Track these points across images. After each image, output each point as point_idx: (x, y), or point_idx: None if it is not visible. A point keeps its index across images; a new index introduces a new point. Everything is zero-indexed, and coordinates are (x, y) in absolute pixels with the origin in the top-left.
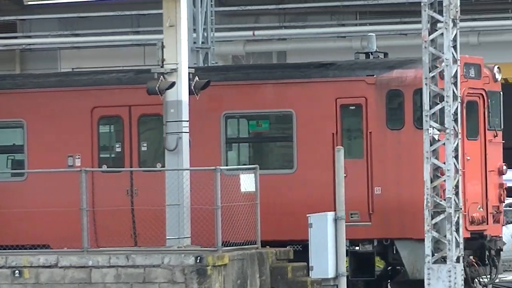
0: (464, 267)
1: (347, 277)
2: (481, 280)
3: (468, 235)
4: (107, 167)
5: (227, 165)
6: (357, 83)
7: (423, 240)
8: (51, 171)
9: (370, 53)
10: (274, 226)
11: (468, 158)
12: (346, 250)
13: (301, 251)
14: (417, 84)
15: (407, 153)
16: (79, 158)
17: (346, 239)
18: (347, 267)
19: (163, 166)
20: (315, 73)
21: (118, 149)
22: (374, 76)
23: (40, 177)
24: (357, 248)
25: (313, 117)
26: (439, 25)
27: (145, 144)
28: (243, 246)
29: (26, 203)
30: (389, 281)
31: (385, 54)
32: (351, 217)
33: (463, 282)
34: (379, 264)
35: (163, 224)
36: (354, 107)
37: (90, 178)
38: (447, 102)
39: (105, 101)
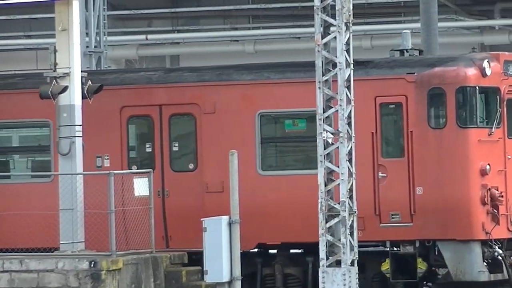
0: (506, 267)
1: (388, 278)
2: None
3: (511, 236)
4: (137, 168)
5: (261, 165)
6: (397, 81)
7: (466, 241)
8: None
9: (405, 51)
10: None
11: (510, 157)
12: (387, 251)
13: None
14: (460, 82)
15: (449, 152)
16: (107, 158)
17: (387, 240)
18: (387, 268)
19: (195, 166)
20: (353, 71)
21: (149, 150)
22: (415, 74)
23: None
24: (398, 249)
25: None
26: (332, 28)
27: (176, 144)
28: (137, 251)
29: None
30: (430, 283)
31: (420, 52)
32: (392, 218)
33: (357, 285)
34: (421, 266)
35: (196, 226)
36: (394, 105)
37: (119, 179)
38: (340, 105)
39: (135, 101)
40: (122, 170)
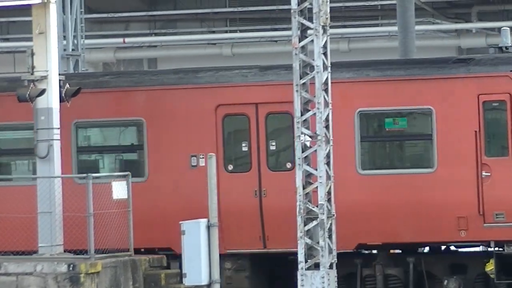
0: None
1: (492, 279)
2: None
3: None
4: (232, 168)
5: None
6: (500, 78)
7: None
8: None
9: (505, 48)
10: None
11: None
12: (492, 252)
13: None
14: None
15: None
16: (203, 157)
17: (491, 240)
18: (492, 269)
19: (292, 166)
20: (455, 68)
21: (245, 148)
22: None
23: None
24: (502, 249)
25: (453, 114)
26: (309, 32)
27: (273, 143)
28: (116, 254)
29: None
30: None
31: None
32: (496, 217)
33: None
34: None
35: (292, 226)
36: (497, 103)
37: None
38: (318, 108)
39: (230, 99)
40: (218, 169)
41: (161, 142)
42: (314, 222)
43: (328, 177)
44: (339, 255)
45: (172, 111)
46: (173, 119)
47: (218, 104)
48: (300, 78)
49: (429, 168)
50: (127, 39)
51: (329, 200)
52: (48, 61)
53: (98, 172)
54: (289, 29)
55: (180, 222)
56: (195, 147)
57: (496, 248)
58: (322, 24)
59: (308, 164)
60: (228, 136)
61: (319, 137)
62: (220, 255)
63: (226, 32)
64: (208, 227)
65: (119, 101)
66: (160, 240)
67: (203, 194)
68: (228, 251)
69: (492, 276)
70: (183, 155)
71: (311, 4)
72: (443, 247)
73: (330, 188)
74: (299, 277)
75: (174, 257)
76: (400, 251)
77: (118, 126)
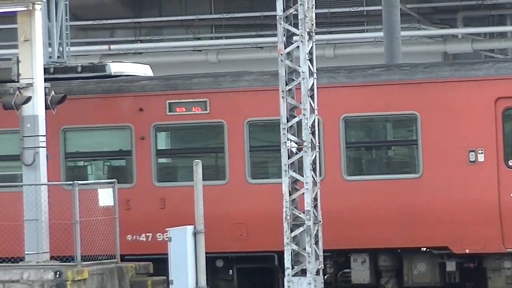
0: None
1: None
2: None
3: None
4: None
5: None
6: None
7: None
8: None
9: None
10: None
11: None
12: None
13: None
14: None
15: None
16: (481, 153)
17: None
18: None
19: None
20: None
21: None
22: None
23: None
24: None
25: None
26: (295, 38)
27: None
28: (102, 261)
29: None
30: None
31: None
32: None
33: None
34: None
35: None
36: None
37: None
38: (304, 115)
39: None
40: (497, 165)
41: (437, 137)
42: (301, 229)
43: (315, 183)
44: None
45: (447, 105)
46: (448, 113)
47: (498, 97)
48: (286, 85)
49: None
50: (112, 46)
51: (315, 206)
52: (34, 69)
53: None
54: (275, 35)
55: (167, 228)
56: (474, 141)
57: None
58: (307, 30)
59: (294, 171)
60: (508, 131)
61: (305, 143)
62: (500, 253)
63: (211, 38)
64: (195, 233)
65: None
66: (437, 238)
67: (480, 191)
68: (508, 250)
69: None
70: (461, 150)
71: (296, 10)
72: None
73: (316, 194)
74: (285, 284)
75: (450, 256)
76: None
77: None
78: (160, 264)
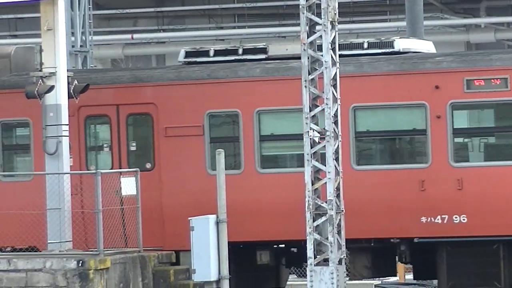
0: None
1: None
2: None
3: None
4: None
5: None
6: None
7: None
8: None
9: None
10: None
11: None
12: None
13: None
14: None
15: None
16: None
17: None
18: None
19: None
20: None
21: None
22: None
23: None
24: None
25: None
26: (317, 27)
27: None
28: (125, 250)
29: None
30: None
31: None
32: None
33: (346, 283)
34: None
35: None
36: None
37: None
38: (327, 104)
39: None
40: None
41: None
42: (323, 218)
43: (337, 173)
44: None
45: None
46: None
47: None
48: (309, 74)
49: None
50: (135, 35)
51: (338, 196)
52: (56, 58)
53: None
54: (298, 24)
55: (189, 218)
56: None
57: None
58: (330, 19)
59: (317, 160)
60: None
61: (327, 133)
62: None
63: (234, 28)
64: (217, 223)
65: None
66: None
67: None
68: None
69: None
70: None
71: (319, 0)
72: None
73: (339, 183)
74: (308, 273)
75: None
76: None
77: None
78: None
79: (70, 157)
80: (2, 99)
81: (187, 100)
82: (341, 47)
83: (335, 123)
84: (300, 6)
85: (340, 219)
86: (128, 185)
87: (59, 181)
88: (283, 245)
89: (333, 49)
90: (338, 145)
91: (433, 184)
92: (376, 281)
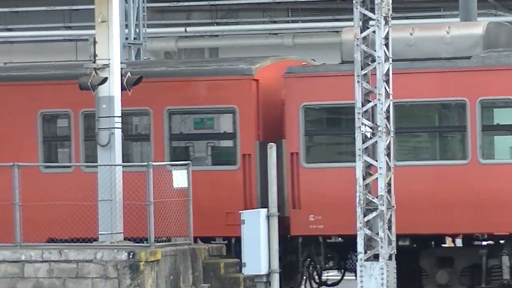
0: None
1: None
2: None
3: None
4: None
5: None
6: None
7: None
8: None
9: None
10: None
11: None
12: None
13: None
14: None
15: None
16: None
17: None
18: None
19: None
20: None
21: None
22: None
23: None
24: None
25: None
26: (371, 22)
27: None
28: (175, 242)
29: None
30: None
31: None
32: None
33: (395, 279)
34: None
35: None
36: None
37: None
38: (379, 100)
39: None
40: None
41: None
42: (374, 213)
43: (388, 168)
44: None
45: None
46: None
47: None
48: (361, 69)
49: None
50: (189, 28)
51: (389, 191)
52: (110, 50)
53: None
54: (351, 19)
55: (240, 211)
56: None
57: None
58: (384, 15)
59: (368, 155)
60: None
61: (379, 128)
62: None
63: (287, 22)
64: (268, 216)
65: None
66: None
67: None
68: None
69: None
70: None
71: None
72: None
73: (390, 179)
74: (358, 268)
75: None
76: None
77: None
78: None
79: None
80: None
81: None
82: None
83: (387, 118)
84: (354, 1)
85: (391, 215)
86: (180, 178)
87: (111, 172)
88: None
89: (386, 45)
90: (389, 141)
91: None
92: None
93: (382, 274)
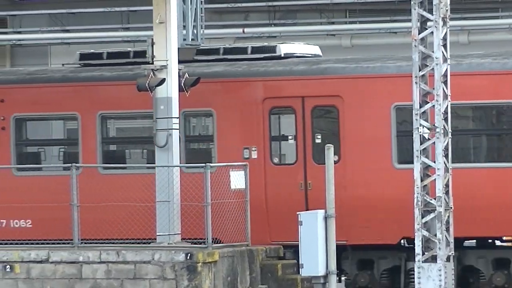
0: None
1: None
2: None
3: None
4: None
5: None
6: None
7: None
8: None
9: None
10: None
11: None
12: None
13: None
14: None
15: None
16: None
17: None
18: None
19: None
20: None
21: None
22: None
23: None
24: None
25: None
26: (429, 23)
27: None
28: (233, 243)
29: None
30: None
31: None
32: None
33: (453, 281)
34: None
35: None
36: None
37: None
38: (437, 101)
39: None
40: None
41: None
42: (432, 215)
43: (446, 170)
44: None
45: None
46: None
47: None
48: (419, 70)
49: None
50: (246, 29)
51: (447, 193)
52: (168, 51)
53: None
54: (409, 20)
55: (298, 212)
56: None
57: None
58: (442, 16)
59: (426, 156)
60: None
61: (437, 129)
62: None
63: (345, 23)
64: (326, 218)
65: None
66: None
67: None
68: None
69: None
70: None
71: None
72: None
73: (448, 180)
74: (416, 270)
75: None
76: None
77: None
78: None
79: None
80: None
81: None
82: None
83: (445, 119)
84: (412, 2)
85: (449, 216)
86: (237, 179)
87: (169, 174)
88: None
89: (444, 46)
90: (447, 142)
91: None
92: None
93: (440, 275)
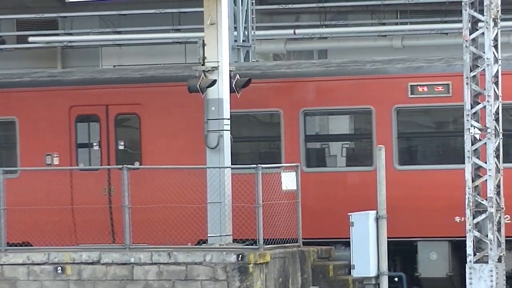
0: None
1: None
2: None
3: None
4: None
5: None
6: None
7: None
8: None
9: None
10: None
11: None
12: None
13: None
14: None
15: None
16: None
17: None
18: None
19: None
20: None
21: None
22: None
23: None
24: None
25: None
26: (480, 24)
27: None
28: (284, 244)
29: None
30: None
31: None
32: None
33: (505, 281)
34: None
35: None
36: None
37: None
38: (488, 101)
39: None
40: None
41: None
42: (483, 215)
43: (498, 170)
44: None
45: None
46: None
47: None
48: (471, 71)
49: None
50: (297, 31)
51: (498, 193)
52: (219, 52)
53: None
54: (460, 21)
55: (349, 213)
56: None
57: None
58: (493, 16)
59: (477, 157)
60: None
61: (488, 130)
62: None
63: (396, 24)
64: (377, 219)
65: None
66: None
67: None
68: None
69: None
70: None
71: None
72: None
73: (499, 181)
74: (467, 270)
75: None
76: None
77: None
78: None
79: None
80: None
81: None
82: None
83: (496, 120)
84: (463, 3)
85: (500, 217)
86: (289, 180)
87: (220, 175)
88: None
89: (495, 46)
90: (499, 142)
91: None
92: None
93: (492, 276)
